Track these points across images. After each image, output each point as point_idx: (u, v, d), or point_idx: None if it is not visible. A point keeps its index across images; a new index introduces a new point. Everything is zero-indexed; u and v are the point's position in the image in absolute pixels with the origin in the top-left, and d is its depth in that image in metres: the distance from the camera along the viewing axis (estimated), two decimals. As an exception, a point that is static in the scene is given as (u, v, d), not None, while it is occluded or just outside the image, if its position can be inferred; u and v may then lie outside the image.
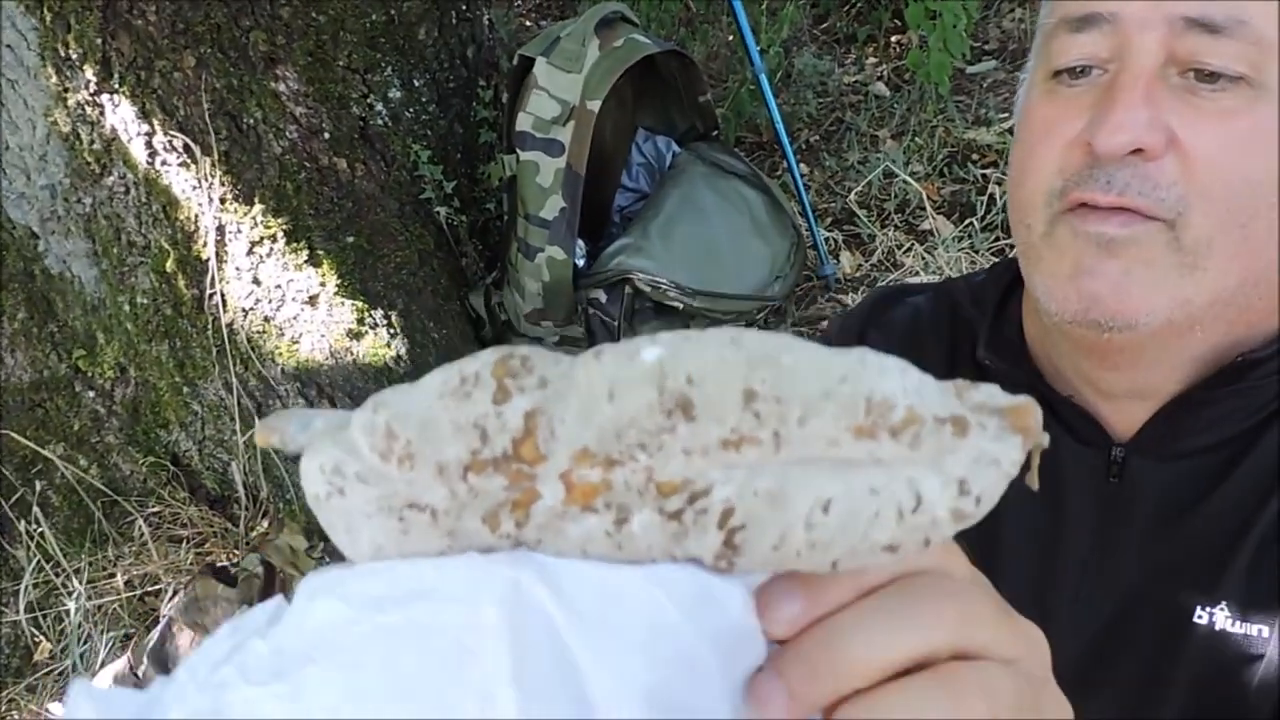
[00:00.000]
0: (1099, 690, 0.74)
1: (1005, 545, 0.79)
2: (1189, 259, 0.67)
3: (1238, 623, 0.70)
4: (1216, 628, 0.70)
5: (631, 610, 0.30)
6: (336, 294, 2.34)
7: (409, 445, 0.31)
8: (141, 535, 2.24)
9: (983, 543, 0.78)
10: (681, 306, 2.45)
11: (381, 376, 2.35)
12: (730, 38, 3.45)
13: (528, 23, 4.42)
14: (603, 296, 2.47)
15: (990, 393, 0.31)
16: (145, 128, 2.23)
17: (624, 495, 0.30)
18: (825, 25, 3.92)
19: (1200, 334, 0.71)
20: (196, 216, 2.29)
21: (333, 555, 2.04)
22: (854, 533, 0.29)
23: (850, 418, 0.29)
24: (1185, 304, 0.68)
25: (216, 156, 2.25)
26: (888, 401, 0.30)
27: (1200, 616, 0.71)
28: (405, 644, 0.29)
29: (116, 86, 2.20)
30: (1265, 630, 0.69)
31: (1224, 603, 0.71)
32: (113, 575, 2.18)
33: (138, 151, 2.25)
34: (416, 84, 2.52)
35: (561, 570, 0.30)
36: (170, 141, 2.24)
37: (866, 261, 2.88)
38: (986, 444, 0.30)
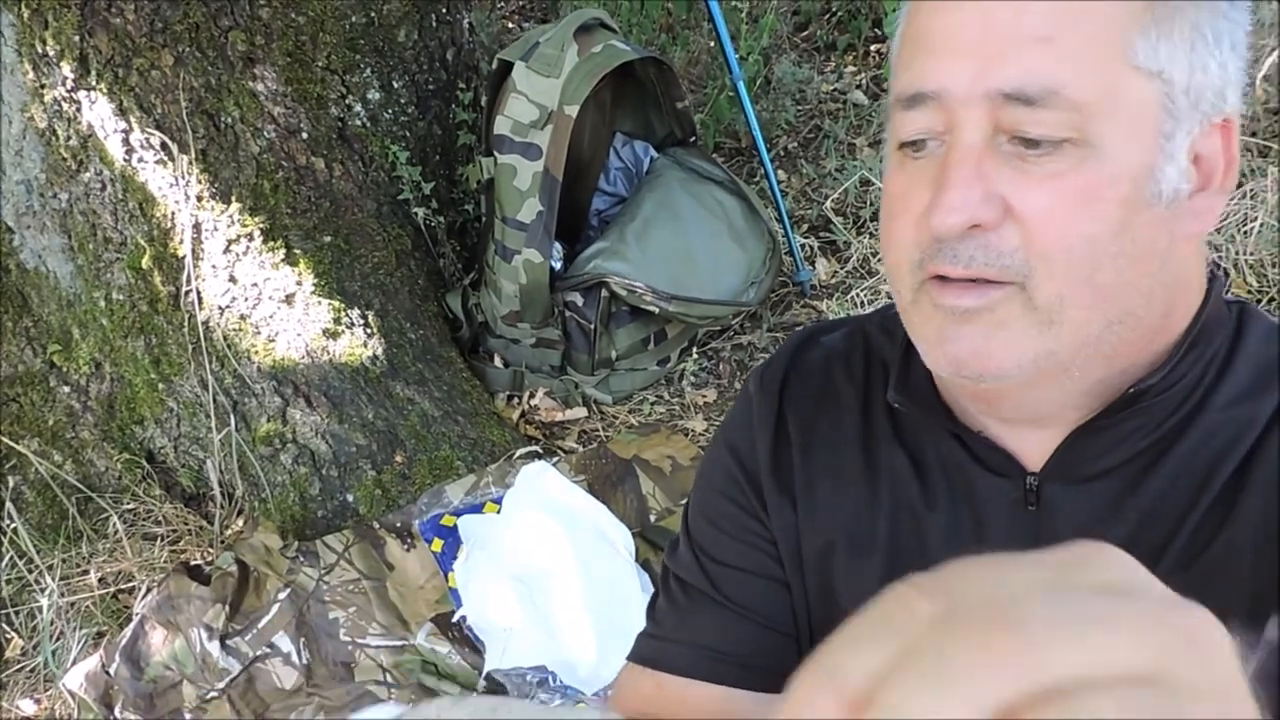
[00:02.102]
0: None
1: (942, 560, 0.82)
2: (1044, 316, 0.70)
3: None
4: None
5: None
6: (313, 293, 2.35)
7: None
8: (116, 532, 2.24)
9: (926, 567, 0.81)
10: (657, 310, 2.47)
11: (358, 376, 2.36)
12: (711, 43, 3.47)
13: (509, 24, 4.44)
14: (579, 299, 2.48)
15: None
16: (122, 125, 2.23)
17: None
18: (805, 33, 3.95)
19: (1078, 373, 0.74)
20: (173, 214, 2.29)
21: (306, 555, 2.05)
22: None
23: None
24: (1050, 355, 0.71)
25: (194, 155, 2.25)
26: None
27: None
28: None
29: (94, 84, 2.21)
30: None
31: None
32: (86, 572, 2.18)
33: (114, 148, 2.25)
34: (395, 85, 2.53)
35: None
36: (147, 139, 2.25)
37: (842, 268, 2.91)
38: None
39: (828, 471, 0.89)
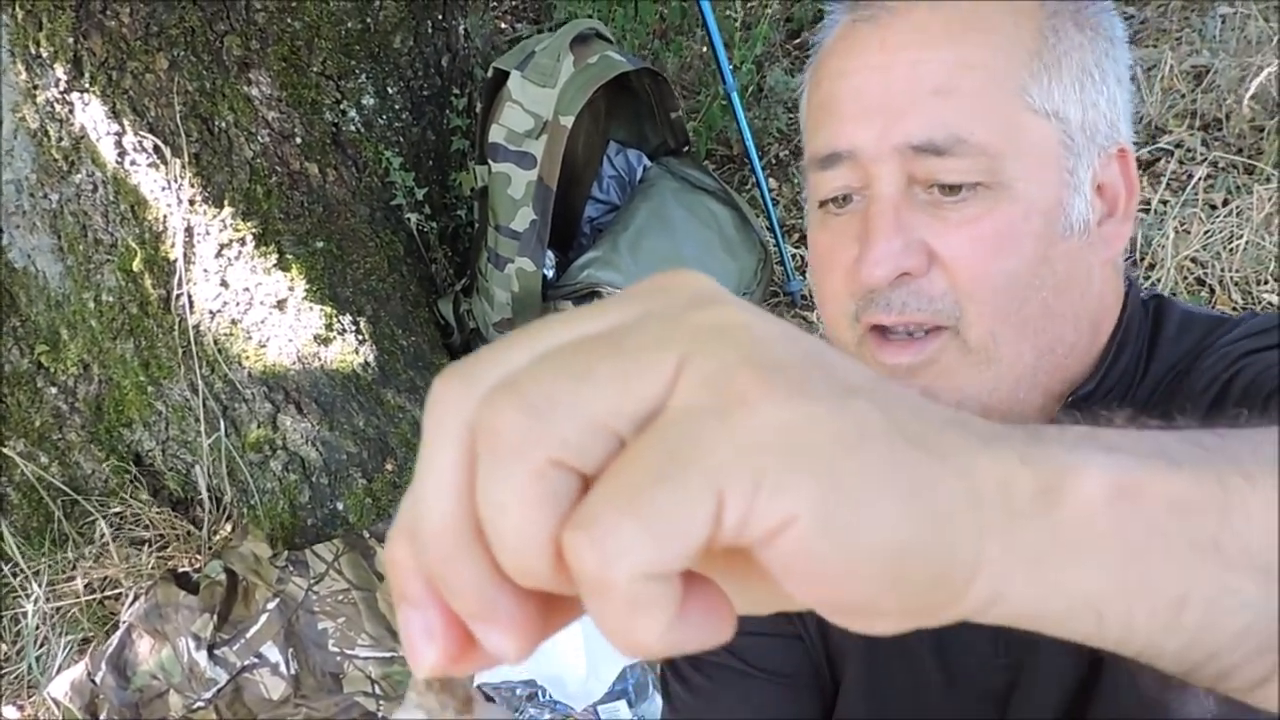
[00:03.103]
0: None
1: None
2: (981, 356, 0.74)
3: None
4: None
5: None
6: (305, 299, 2.35)
7: None
8: (102, 536, 2.23)
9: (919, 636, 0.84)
10: (649, 321, 2.48)
11: (349, 383, 2.36)
12: (704, 49, 3.48)
13: (503, 24, 4.43)
14: (571, 308, 2.48)
15: None
16: (115, 127, 2.22)
17: None
18: (798, 40, 3.96)
19: (1024, 396, 0.77)
20: (165, 217, 2.28)
21: (295, 564, 2.05)
22: None
23: None
24: (993, 390, 0.75)
25: (187, 158, 2.24)
26: None
27: None
28: None
29: (87, 86, 2.19)
30: None
31: None
32: (72, 577, 2.17)
33: (107, 151, 2.24)
34: (390, 91, 2.52)
35: None
36: (140, 142, 2.23)
37: (832, 279, 2.92)
38: None
39: None
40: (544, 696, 1.79)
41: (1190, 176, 3.01)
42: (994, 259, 0.73)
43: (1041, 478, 0.31)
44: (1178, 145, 3.25)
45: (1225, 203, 2.96)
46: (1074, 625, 0.33)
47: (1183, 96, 3.39)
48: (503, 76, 2.39)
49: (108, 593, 2.16)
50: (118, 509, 2.32)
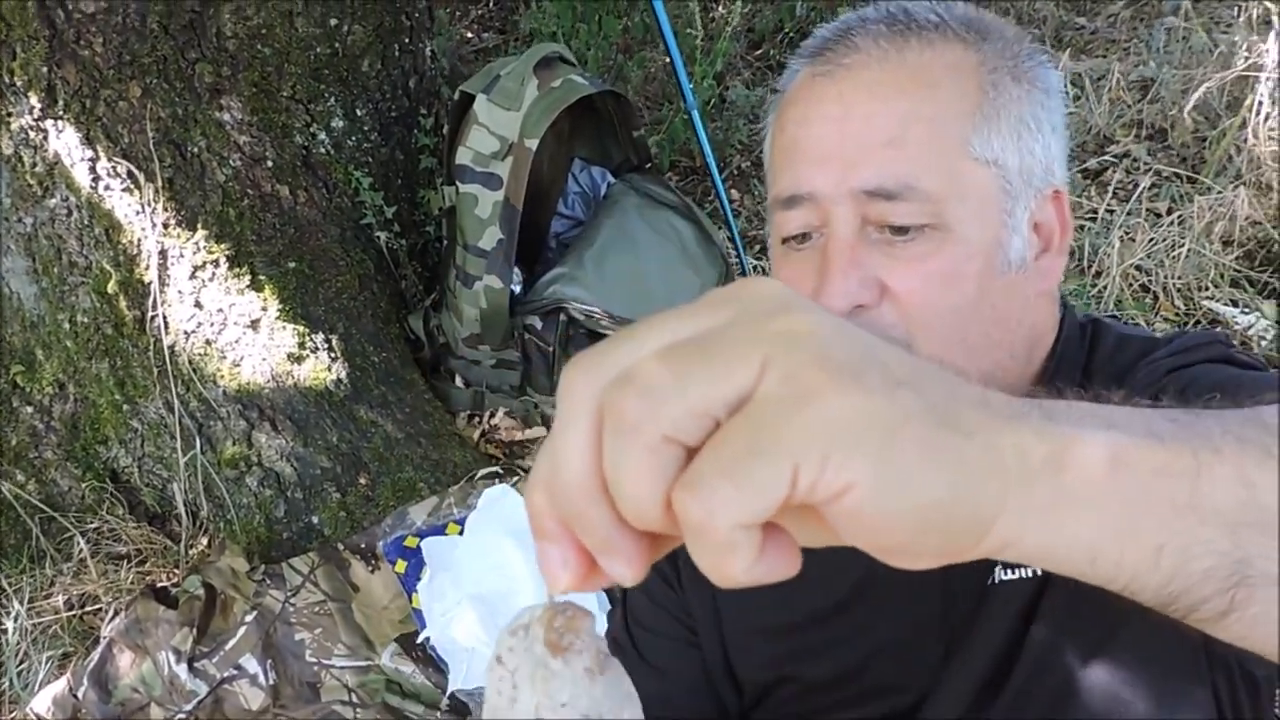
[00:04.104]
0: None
1: (879, 629, 0.93)
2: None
3: (1012, 570, 0.87)
4: (998, 580, 0.87)
5: None
6: (278, 318, 2.41)
7: None
8: (81, 553, 2.28)
9: (862, 633, 0.93)
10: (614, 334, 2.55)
11: (322, 399, 2.42)
12: (668, 61, 3.56)
13: (469, 34, 4.49)
14: (538, 323, 2.56)
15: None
16: (89, 154, 2.27)
17: None
18: (759, 52, 4.05)
19: None
20: (139, 240, 2.33)
21: (272, 577, 2.11)
22: None
23: None
24: None
25: (160, 183, 2.30)
26: None
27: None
28: None
29: (61, 113, 2.24)
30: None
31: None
32: (51, 594, 2.22)
33: (81, 176, 2.29)
34: (359, 113, 2.58)
35: None
36: (114, 167, 2.28)
37: (792, 289, 3.01)
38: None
39: None
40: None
41: (1136, 185, 3.12)
42: (941, 294, 0.81)
43: (1051, 447, 0.40)
44: (1124, 155, 3.36)
45: (1169, 211, 3.07)
46: (1071, 565, 0.42)
47: (1129, 107, 3.50)
48: (469, 99, 2.45)
49: (87, 608, 2.20)
50: (95, 525, 2.37)
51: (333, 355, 2.46)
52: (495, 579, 2.03)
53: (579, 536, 0.40)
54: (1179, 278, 2.87)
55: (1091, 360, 0.91)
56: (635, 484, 0.37)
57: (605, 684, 0.42)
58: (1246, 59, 3.18)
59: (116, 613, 2.09)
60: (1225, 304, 2.82)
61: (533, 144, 2.39)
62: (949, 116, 0.81)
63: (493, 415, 2.68)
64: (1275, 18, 3.16)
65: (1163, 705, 0.84)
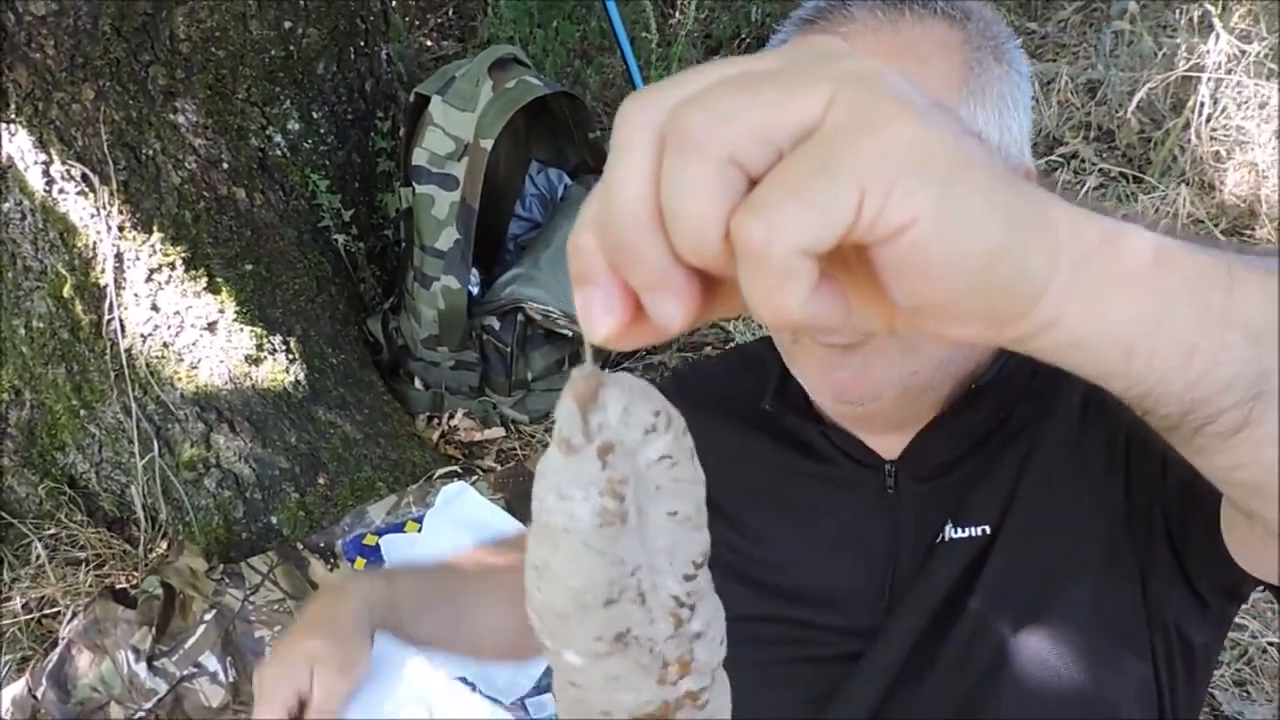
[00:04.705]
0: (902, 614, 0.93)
1: (833, 557, 0.98)
2: (907, 343, 0.85)
3: (962, 529, 0.91)
4: (948, 538, 0.92)
5: None
6: (235, 320, 2.41)
7: None
8: (39, 558, 2.27)
9: (815, 561, 0.97)
10: (571, 334, 2.58)
11: (280, 401, 2.43)
12: (625, 66, 3.59)
13: (429, 42, 4.51)
14: (496, 324, 2.58)
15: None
16: (42, 157, 2.27)
17: None
18: (716, 57, 4.10)
19: (937, 382, 0.90)
20: (95, 244, 2.33)
21: (231, 576, 2.11)
22: None
23: None
24: (914, 374, 0.87)
25: (115, 186, 2.30)
26: None
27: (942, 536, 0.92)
28: None
29: (13, 116, 2.24)
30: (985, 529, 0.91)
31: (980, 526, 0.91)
32: (9, 598, 2.21)
33: (34, 180, 2.29)
34: (315, 116, 2.60)
35: None
36: (68, 170, 2.29)
37: (748, 289, 3.05)
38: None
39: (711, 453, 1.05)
40: (473, 692, 1.88)
41: (1083, 185, 3.19)
42: None
43: (1103, 230, 0.41)
44: (1073, 156, 3.44)
45: (1118, 209, 3.14)
46: (1107, 359, 0.42)
47: (1078, 109, 3.58)
48: (424, 101, 2.48)
49: (46, 611, 2.20)
50: (53, 531, 2.36)
51: (291, 357, 2.47)
52: None
53: (628, 276, 0.37)
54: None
55: None
56: (696, 203, 0.35)
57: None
58: (1188, 60, 3.26)
59: (75, 615, 2.09)
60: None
61: (488, 144, 2.41)
62: (937, 90, 0.83)
63: (452, 416, 2.69)
64: (1216, 20, 3.25)
65: (1097, 673, 0.88)
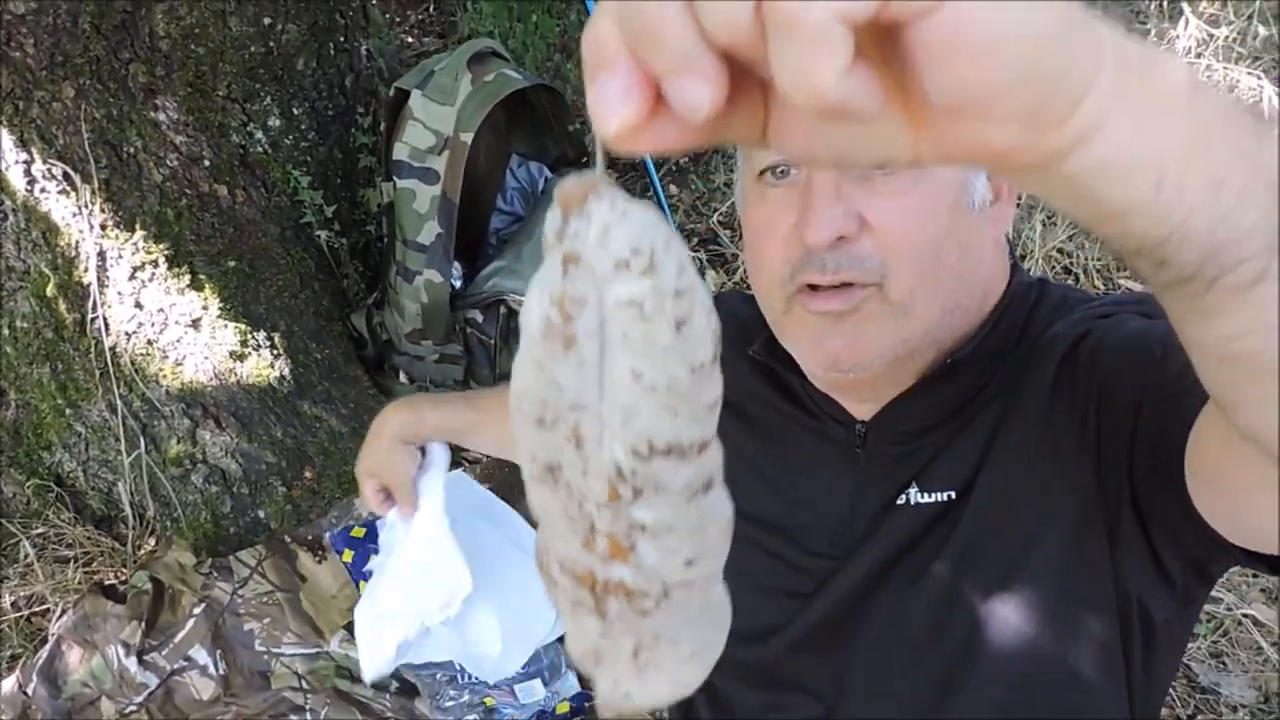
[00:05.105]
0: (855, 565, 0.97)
1: (800, 498, 1.02)
2: (899, 309, 0.88)
3: (927, 494, 0.95)
4: (912, 502, 0.95)
5: None
6: (219, 317, 2.42)
7: None
8: (27, 556, 2.28)
9: (784, 495, 1.00)
10: (554, 325, 2.59)
11: (266, 396, 2.44)
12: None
13: (409, 39, 4.52)
14: (479, 317, 2.60)
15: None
16: (24, 156, 2.28)
17: None
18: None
19: (924, 349, 0.93)
20: (77, 243, 2.34)
21: (220, 570, 2.13)
22: None
23: None
24: (905, 341, 0.90)
25: (97, 184, 2.31)
26: None
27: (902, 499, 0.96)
28: None
29: (-6, 116, 2.25)
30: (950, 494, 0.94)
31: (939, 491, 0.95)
32: (-2, 596, 2.23)
33: (16, 179, 2.30)
34: (296, 112, 2.61)
35: None
36: (50, 169, 2.29)
37: (729, 279, 3.08)
38: None
39: None
40: (463, 678, 1.91)
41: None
42: (917, 227, 0.86)
43: (1143, 49, 0.40)
44: (1048, 142, 3.48)
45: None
46: (1137, 188, 0.41)
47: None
48: (404, 96, 2.49)
49: (35, 609, 2.21)
50: (41, 530, 2.37)
51: (275, 353, 2.48)
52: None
53: (651, 60, 0.34)
54: (1098, 259, 2.98)
55: (1033, 316, 0.98)
56: None
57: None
58: (1158, 45, 3.30)
59: (64, 612, 2.10)
60: (1141, 284, 2.92)
61: (468, 138, 2.43)
62: None
63: (438, 408, 2.71)
64: (1185, 5, 3.29)
65: (1067, 638, 0.91)
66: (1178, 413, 0.77)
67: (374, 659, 1.88)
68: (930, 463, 0.95)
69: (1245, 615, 2.20)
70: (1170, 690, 2.10)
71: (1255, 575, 2.29)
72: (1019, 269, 1.00)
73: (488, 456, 2.58)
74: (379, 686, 1.94)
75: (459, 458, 2.58)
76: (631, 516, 0.40)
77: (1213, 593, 2.23)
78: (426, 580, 1.97)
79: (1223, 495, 0.75)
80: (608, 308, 0.37)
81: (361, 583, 2.13)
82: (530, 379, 0.39)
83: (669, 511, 0.41)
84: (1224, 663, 2.18)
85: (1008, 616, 0.91)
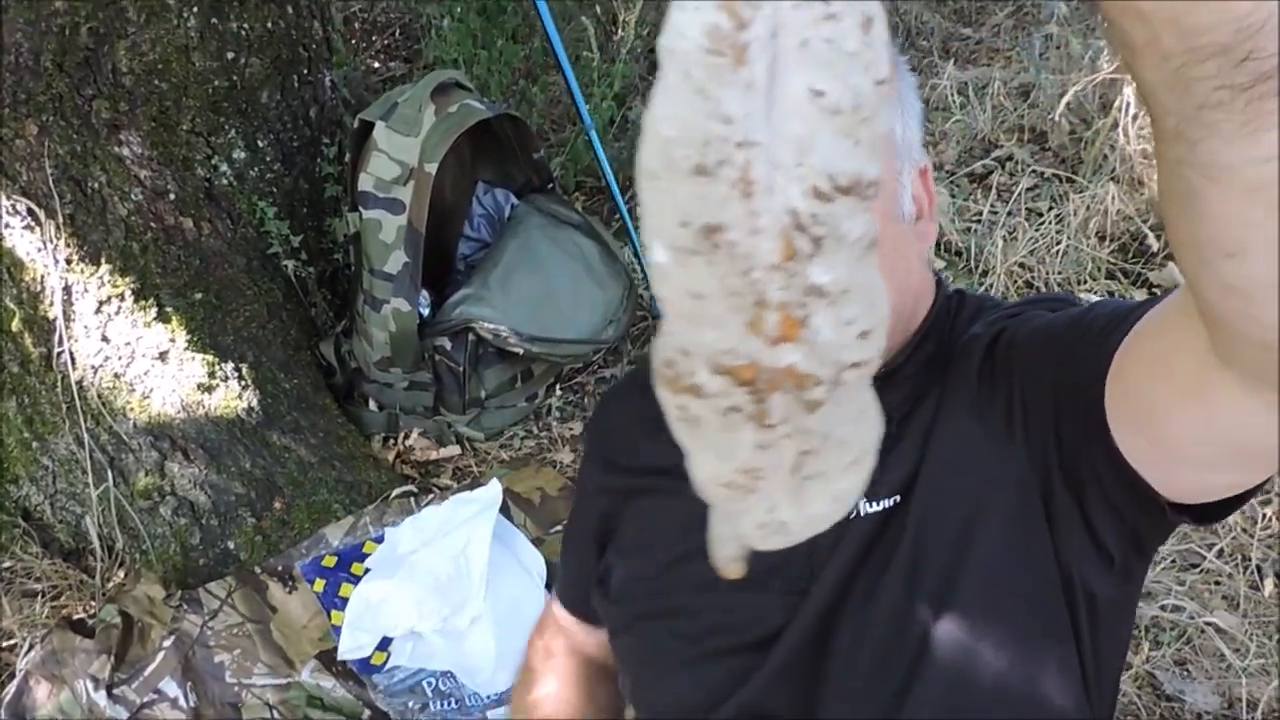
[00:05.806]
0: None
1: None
2: None
3: (875, 503, 0.97)
4: (862, 514, 0.98)
5: None
6: (186, 349, 2.43)
7: None
8: (-7, 592, 2.27)
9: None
10: (522, 352, 2.62)
11: (234, 427, 2.45)
12: (569, 86, 3.64)
13: (376, 64, 4.54)
14: (448, 344, 2.62)
15: None
16: (-13, 193, 2.28)
17: None
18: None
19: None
20: (43, 277, 2.35)
21: (189, 602, 2.13)
22: None
23: None
24: None
25: (61, 219, 2.31)
26: None
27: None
28: None
29: (-43, 154, 2.25)
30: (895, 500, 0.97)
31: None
32: (-35, 634, 2.21)
33: (-20, 216, 2.30)
34: (261, 144, 2.63)
35: None
36: (14, 205, 2.30)
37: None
38: None
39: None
40: (436, 705, 1.92)
41: (1017, 187, 3.28)
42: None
43: None
44: (1007, 158, 3.53)
45: (1050, 209, 3.23)
46: None
47: (1011, 112, 3.68)
48: (368, 127, 2.51)
49: (2, 644, 2.20)
50: (8, 564, 2.37)
51: (243, 384, 2.49)
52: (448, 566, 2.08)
53: None
54: (1059, 273, 3.03)
55: (955, 322, 1.03)
56: None
57: None
58: (1113, 62, 3.37)
59: (32, 647, 2.10)
60: (1102, 295, 2.98)
61: (432, 168, 2.45)
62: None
63: (407, 436, 2.72)
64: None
65: (1017, 624, 0.94)
66: (1094, 369, 0.83)
67: (355, 638, 1.93)
68: (875, 474, 0.99)
69: (1208, 623, 2.23)
70: (1135, 699, 2.13)
71: (1218, 582, 2.33)
72: (942, 283, 1.06)
73: (456, 482, 2.60)
74: (351, 717, 1.95)
75: (429, 485, 2.60)
76: (808, 278, 0.35)
77: (1175, 601, 2.27)
78: (440, 588, 2.00)
79: (1149, 426, 0.80)
80: (785, 16, 0.31)
81: (334, 612, 2.14)
82: (687, 114, 0.32)
83: (845, 271, 0.35)
84: (1188, 670, 2.22)
85: (957, 610, 0.93)
